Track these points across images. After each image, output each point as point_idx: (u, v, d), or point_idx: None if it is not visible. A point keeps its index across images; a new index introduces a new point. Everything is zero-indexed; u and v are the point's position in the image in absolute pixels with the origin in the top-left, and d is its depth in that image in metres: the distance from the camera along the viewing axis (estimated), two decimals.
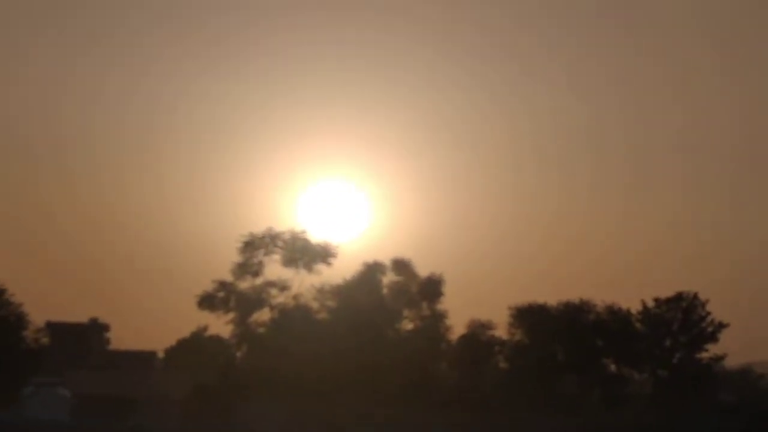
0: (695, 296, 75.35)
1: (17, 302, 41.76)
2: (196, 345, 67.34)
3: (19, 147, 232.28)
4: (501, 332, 67.18)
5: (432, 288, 56.16)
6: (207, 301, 52.54)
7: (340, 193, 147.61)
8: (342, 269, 54.67)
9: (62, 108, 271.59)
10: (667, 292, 76.25)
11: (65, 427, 32.30)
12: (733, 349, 79.18)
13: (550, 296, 71.85)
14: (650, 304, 75.11)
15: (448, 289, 56.92)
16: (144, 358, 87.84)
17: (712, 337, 76.25)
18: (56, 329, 75.58)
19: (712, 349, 76.20)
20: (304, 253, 53.67)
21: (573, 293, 73.40)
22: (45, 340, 54.79)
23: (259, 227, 60.00)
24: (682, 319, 75.69)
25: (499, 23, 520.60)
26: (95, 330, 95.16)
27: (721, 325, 76.09)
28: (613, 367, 72.19)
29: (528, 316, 68.09)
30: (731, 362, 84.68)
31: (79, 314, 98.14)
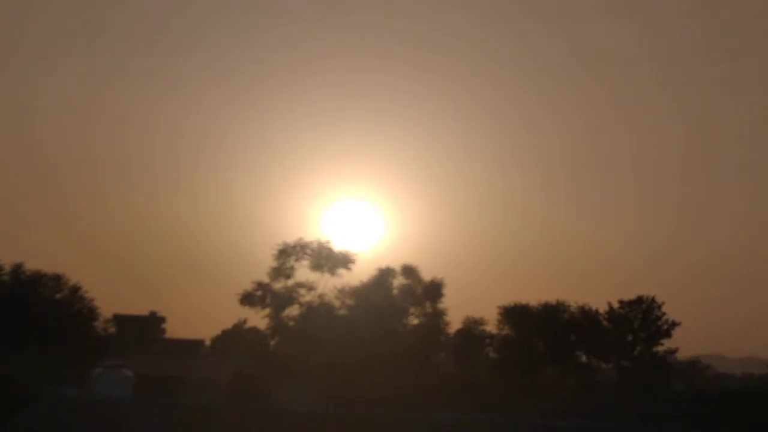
0: (653, 299, 75.58)
1: (89, 297, 41.49)
2: (237, 335, 66.90)
3: (93, 168, 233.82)
4: (491, 327, 66.77)
5: (434, 290, 55.72)
6: (247, 299, 52.30)
7: (359, 209, 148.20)
8: (359, 273, 54.26)
9: (128, 133, 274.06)
10: (629, 294, 76.35)
11: (127, 403, 31.86)
12: (684, 343, 78.87)
13: (532, 297, 71.59)
14: (615, 305, 75.16)
15: (447, 290, 56.42)
16: (193, 345, 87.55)
17: (667, 334, 76.23)
18: (122, 320, 75.51)
19: (666, 344, 76.24)
20: (328, 260, 53.37)
21: (551, 295, 72.96)
22: (112, 330, 54.56)
23: (290, 238, 59.77)
24: (641, 318, 75.64)
25: (503, 52, 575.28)
26: (154, 321, 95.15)
27: (674, 324, 76.18)
28: (584, 358, 71.98)
29: (513, 314, 67.85)
30: (682, 355, 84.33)
31: (141, 308, 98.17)
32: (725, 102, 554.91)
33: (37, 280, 40.97)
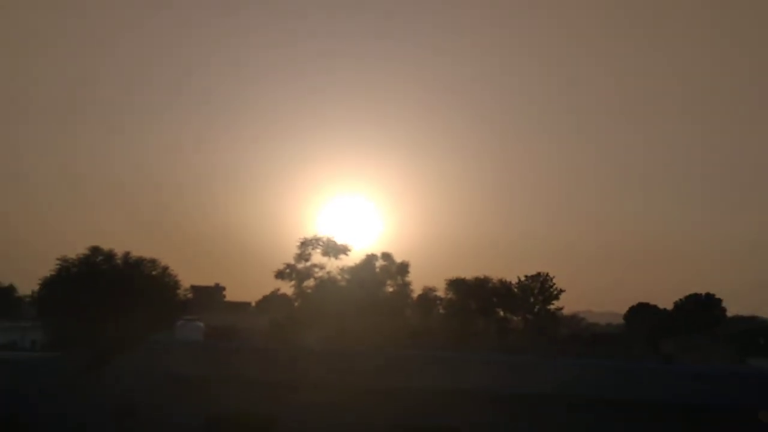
0: (547, 274, 76.14)
1: (174, 274, 41.64)
2: (272, 299, 66.79)
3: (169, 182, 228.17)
4: (441, 293, 66.81)
5: (403, 268, 56.09)
6: (280, 274, 52.47)
7: (355, 202, 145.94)
8: (355, 257, 54.70)
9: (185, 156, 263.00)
10: (532, 270, 77.08)
11: (199, 344, 31.90)
12: (566, 303, 79.68)
13: (470, 273, 71.91)
14: (522, 278, 75.81)
15: (414, 269, 57.02)
16: (243, 306, 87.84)
17: (556, 297, 76.73)
18: (196, 289, 75.92)
19: (555, 304, 76.76)
20: (332, 249, 53.68)
21: (483, 272, 73.59)
22: (190, 296, 54.65)
23: (304, 230, 60.92)
24: (539, 287, 76.15)
25: (502, 50, 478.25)
26: (218, 289, 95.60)
27: (561, 291, 76.71)
28: (501, 313, 72.19)
29: (455, 284, 68.07)
30: (566, 311, 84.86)
31: (209, 280, 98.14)
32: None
33: (140, 263, 41.01)
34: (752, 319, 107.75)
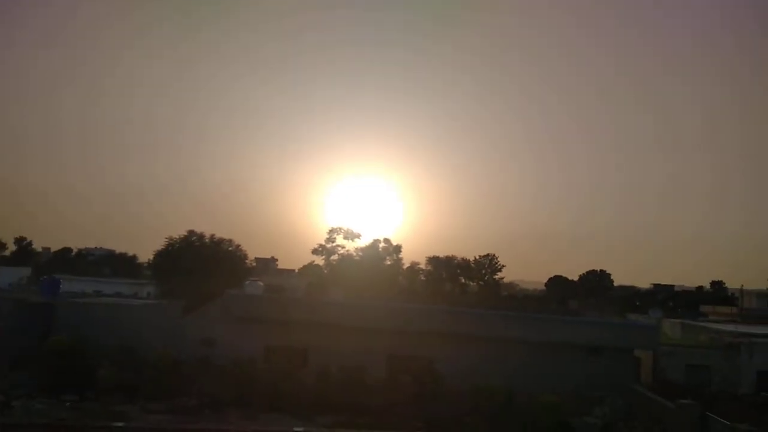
0: (494, 255, 75.43)
1: (244, 249, 41.59)
2: (309, 268, 66.74)
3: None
4: (423, 266, 66.46)
5: (397, 248, 55.94)
6: (315, 251, 52.66)
7: (365, 191, 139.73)
8: (365, 239, 54.63)
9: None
10: (483, 252, 76.48)
11: (260, 298, 31.24)
12: (507, 274, 79.01)
13: (442, 252, 71.31)
14: (477, 256, 75.20)
15: (405, 250, 56.99)
16: (290, 272, 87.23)
17: (499, 270, 76.10)
18: (258, 260, 75.29)
19: (499, 275, 76.20)
20: (350, 234, 53.51)
21: (451, 251, 72.76)
22: (253, 265, 54.55)
23: (335, 216, 61.09)
24: (489, 263, 75.53)
25: (522, 42, 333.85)
26: (272, 261, 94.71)
27: (503, 266, 76.15)
28: (463, 280, 72.00)
29: (433, 260, 67.77)
30: (506, 280, 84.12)
31: (267, 254, 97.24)
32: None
33: (221, 242, 40.85)
34: (631, 288, 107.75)
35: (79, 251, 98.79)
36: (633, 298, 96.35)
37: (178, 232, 40.52)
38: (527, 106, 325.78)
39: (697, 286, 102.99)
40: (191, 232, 40.35)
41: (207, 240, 40.33)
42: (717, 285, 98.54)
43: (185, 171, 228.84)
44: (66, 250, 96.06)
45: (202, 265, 36.05)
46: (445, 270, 68.35)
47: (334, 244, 53.04)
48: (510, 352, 25.47)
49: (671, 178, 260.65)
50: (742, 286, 76.68)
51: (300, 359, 25.39)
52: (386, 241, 55.75)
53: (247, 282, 33.28)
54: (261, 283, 33.66)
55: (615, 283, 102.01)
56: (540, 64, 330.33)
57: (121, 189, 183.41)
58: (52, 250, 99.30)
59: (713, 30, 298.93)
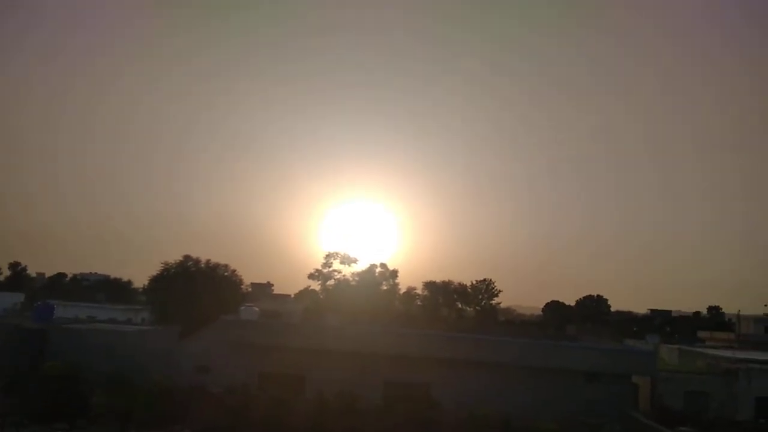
0: (491, 280, 75.36)
1: (240, 274, 41.28)
2: (305, 293, 66.38)
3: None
4: (419, 291, 66.25)
5: (393, 273, 55.86)
6: (311, 276, 52.42)
7: (363, 216, 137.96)
8: (362, 264, 54.49)
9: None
10: (480, 276, 76.36)
11: (255, 323, 31.11)
12: (503, 299, 78.71)
13: (439, 277, 71.11)
14: (474, 281, 75.11)
15: (402, 274, 56.82)
16: (286, 297, 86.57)
17: (496, 295, 75.96)
18: (254, 285, 74.86)
19: (496, 300, 75.99)
20: (347, 259, 53.38)
21: (448, 276, 72.79)
22: (249, 290, 54.21)
23: (327, 243, 61.13)
24: (485, 288, 75.44)
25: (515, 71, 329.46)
26: (268, 286, 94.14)
27: (499, 291, 75.95)
28: (460, 305, 71.68)
29: (429, 285, 67.60)
30: (503, 305, 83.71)
31: (263, 279, 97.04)
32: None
33: (217, 267, 40.63)
34: (628, 313, 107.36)
35: (74, 276, 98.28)
36: (630, 323, 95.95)
37: (174, 257, 40.35)
38: (525, 134, 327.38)
39: (694, 311, 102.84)
40: (187, 257, 40.16)
41: (203, 265, 40.12)
42: (714, 310, 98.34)
43: (182, 196, 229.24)
44: (60, 276, 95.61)
45: (198, 291, 35.82)
46: (442, 295, 68.09)
47: (330, 269, 52.88)
48: (507, 378, 25.25)
49: (669, 204, 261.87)
50: (739, 311, 76.55)
51: (296, 386, 25.10)
52: (383, 266, 55.68)
53: (243, 307, 33.05)
54: (256, 309, 33.42)
55: (612, 308, 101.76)
56: (539, 95, 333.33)
57: (117, 214, 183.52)
58: (47, 275, 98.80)
59: (701, 43, 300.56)
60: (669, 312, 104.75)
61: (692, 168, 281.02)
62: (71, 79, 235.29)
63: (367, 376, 24.94)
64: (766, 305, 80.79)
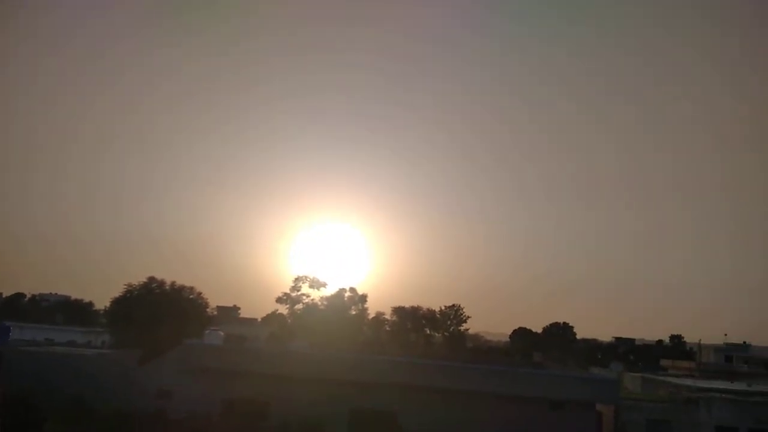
0: (459, 305, 75.37)
1: (206, 297, 40.41)
2: (273, 317, 65.37)
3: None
4: (388, 316, 65.97)
5: (363, 298, 55.50)
6: (279, 300, 51.67)
7: (333, 240, 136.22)
8: (331, 289, 54.11)
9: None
10: (449, 302, 76.39)
11: (219, 348, 30.75)
12: (472, 324, 78.70)
13: (408, 302, 71.05)
14: (443, 307, 75.02)
15: (370, 298, 56.44)
16: (252, 321, 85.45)
17: (464, 321, 75.98)
18: (220, 308, 73.61)
19: (464, 326, 75.97)
20: (316, 283, 52.97)
21: (417, 302, 72.69)
22: (215, 313, 53.06)
23: (296, 267, 60.54)
24: (454, 314, 75.39)
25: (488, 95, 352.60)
26: (234, 309, 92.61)
27: (467, 317, 76.03)
28: (428, 331, 71.46)
29: (398, 310, 67.42)
30: (471, 331, 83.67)
31: (229, 302, 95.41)
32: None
33: (182, 289, 39.81)
34: (593, 340, 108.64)
35: (33, 297, 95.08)
36: (595, 351, 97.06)
37: (138, 279, 39.45)
38: (495, 162, 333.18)
39: (657, 339, 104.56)
40: (151, 279, 39.27)
41: (167, 287, 39.26)
42: (676, 339, 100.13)
43: (148, 218, 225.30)
44: (19, 296, 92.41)
45: (161, 314, 34.99)
46: (411, 320, 67.96)
47: (299, 293, 52.30)
48: (474, 405, 25.18)
49: (635, 238, 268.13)
50: (700, 340, 78.14)
51: (259, 413, 24.57)
52: (352, 290, 55.32)
53: (207, 331, 32.43)
54: (221, 333, 32.83)
55: (578, 336, 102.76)
56: (511, 124, 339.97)
57: (80, 234, 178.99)
58: (4, 295, 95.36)
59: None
60: (633, 340, 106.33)
61: (656, 203, 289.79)
62: (41, 100, 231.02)
63: (333, 403, 24.58)
64: (726, 335, 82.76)
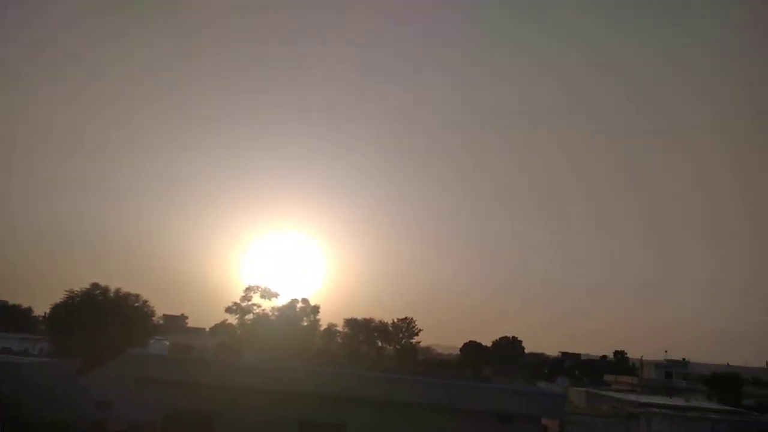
0: (412, 318, 75.68)
1: (152, 305, 39.38)
2: (222, 327, 64.16)
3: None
4: (340, 328, 65.77)
5: (315, 309, 55.18)
6: (229, 309, 50.80)
7: (286, 250, 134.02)
8: (283, 299, 53.59)
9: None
10: (401, 315, 76.40)
11: (164, 358, 29.91)
12: (423, 337, 79.08)
13: (361, 314, 70.90)
14: (396, 319, 75.11)
15: (323, 309, 56.08)
16: (200, 331, 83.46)
17: (416, 334, 76.30)
18: (167, 317, 71.64)
19: (416, 339, 76.29)
20: (267, 293, 52.34)
21: (370, 313, 72.58)
22: (161, 322, 51.73)
23: (248, 276, 59.56)
24: (406, 326, 75.61)
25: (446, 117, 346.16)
26: (182, 318, 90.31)
27: (419, 330, 76.34)
28: (380, 343, 71.52)
29: (350, 322, 67.19)
30: (423, 344, 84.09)
31: (177, 311, 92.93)
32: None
33: (127, 296, 38.68)
34: (541, 355, 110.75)
35: None
36: (542, 365, 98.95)
37: (81, 284, 38.10)
38: (447, 173, 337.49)
39: (601, 355, 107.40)
40: (95, 285, 38.02)
41: (111, 294, 38.07)
42: (620, 355, 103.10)
43: (93, 221, 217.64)
44: None
45: (104, 321, 33.86)
46: (363, 332, 67.91)
47: (249, 303, 51.55)
48: (423, 419, 25.19)
49: (584, 254, 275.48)
50: (642, 357, 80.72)
51: (204, 425, 23.93)
52: (304, 301, 54.98)
53: (152, 340, 31.56)
54: (166, 342, 32.01)
55: (526, 350, 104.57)
56: (462, 134, 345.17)
57: (19, 235, 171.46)
58: None
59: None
60: (578, 355, 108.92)
61: (607, 222, 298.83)
62: None
63: (282, 416, 24.16)
64: (666, 351, 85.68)
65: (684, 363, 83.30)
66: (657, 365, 79.74)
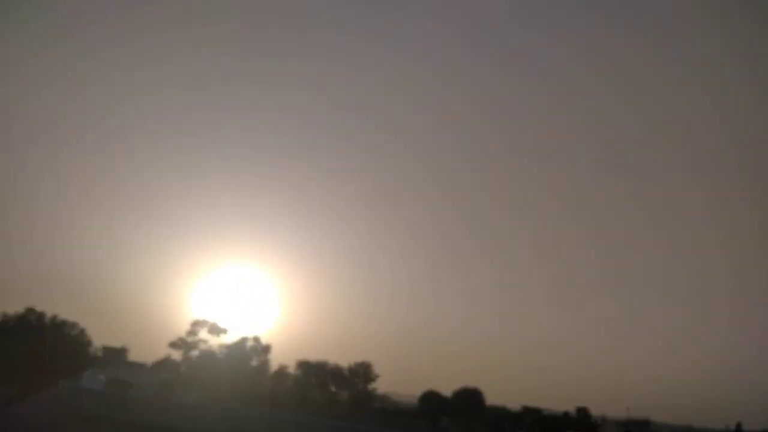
0: (369, 364, 74.26)
1: (89, 335, 38.38)
2: (165, 363, 62.21)
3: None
4: (291, 369, 64.48)
5: (267, 348, 54.69)
6: (173, 344, 49.97)
7: (239, 285, 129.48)
8: (233, 336, 52.84)
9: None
10: (360, 359, 74.97)
11: (97, 393, 29.19)
12: (381, 384, 77.33)
13: (315, 356, 69.47)
14: (352, 364, 73.75)
15: (275, 349, 55.46)
16: (141, 365, 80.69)
17: (373, 380, 75.09)
18: (107, 349, 69.06)
19: (372, 385, 74.98)
20: (216, 329, 51.62)
21: (325, 356, 71.15)
22: (99, 354, 50.27)
23: (197, 311, 58.56)
24: (363, 371, 74.34)
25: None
26: (123, 351, 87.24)
27: (377, 375, 75.08)
28: (334, 389, 70.20)
29: (303, 364, 66.09)
30: (380, 390, 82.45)
31: (117, 342, 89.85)
32: None
33: (64, 324, 37.78)
34: (502, 408, 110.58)
35: None
36: (503, 419, 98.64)
37: (15, 308, 37.06)
38: (404, 208, 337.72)
39: (563, 411, 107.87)
40: (30, 310, 37.06)
41: (47, 320, 37.09)
42: (582, 411, 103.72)
43: (32, 243, 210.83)
44: None
45: (38, 350, 32.90)
46: (316, 376, 66.59)
47: (196, 338, 50.60)
48: None
49: (547, 305, 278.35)
50: (604, 414, 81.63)
51: None
52: (255, 339, 54.17)
53: (87, 373, 30.84)
54: (102, 377, 31.28)
55: (487, 403, 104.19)
56: (413, 174, 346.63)
57: None
58: None
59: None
60: (539, 411, 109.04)
61: (569, 269, 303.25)
62: None
63: None
64: (628, 409, 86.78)
65: (646, 423, 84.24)
66: (618, 423, 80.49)
